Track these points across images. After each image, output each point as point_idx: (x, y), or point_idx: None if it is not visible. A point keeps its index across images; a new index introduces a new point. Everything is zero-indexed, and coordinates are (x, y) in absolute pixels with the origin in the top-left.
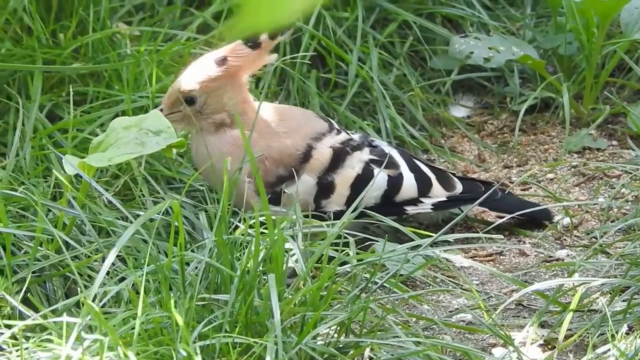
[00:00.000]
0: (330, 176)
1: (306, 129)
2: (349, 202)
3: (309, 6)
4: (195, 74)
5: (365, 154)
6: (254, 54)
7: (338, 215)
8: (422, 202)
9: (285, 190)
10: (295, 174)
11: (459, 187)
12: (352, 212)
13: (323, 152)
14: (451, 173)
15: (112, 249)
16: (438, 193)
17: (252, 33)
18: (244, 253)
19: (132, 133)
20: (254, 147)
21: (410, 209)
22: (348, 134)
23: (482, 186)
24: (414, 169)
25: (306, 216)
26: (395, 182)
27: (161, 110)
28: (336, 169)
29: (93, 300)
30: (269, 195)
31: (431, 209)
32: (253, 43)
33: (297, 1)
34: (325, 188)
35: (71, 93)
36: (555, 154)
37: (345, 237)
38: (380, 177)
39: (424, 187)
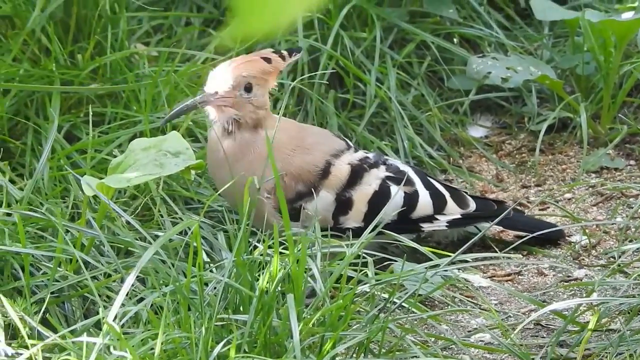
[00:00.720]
0: (348, 192)
1: (324, 146)
2: (366, 218)
3: (303, 11)
4: (253, 65)
5: (381, 171)
6: (282, 64)
7: (356, 232)
8: (437, 219)
9: (304, 207)
10: (314, 191)
11: (472, 205)
12: (371, 229)
13: (341, 169)
14: (464, 192)
15: (131, 270)
16: (453, 210)
17: (249, 38)
18: (262, 273)
19: (151, 154)
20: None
21: (426, 226)
22: (364, 152)
23: (495, 205)
24: (429, 186)
25: (325, 235)
26: (411, 199)
27: (211, 94)
28: (354, 185)
29: (113, 321)
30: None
31: (446, 226)
32: (269, 60)
33: (290, 6)
34: (343, 204)
35: (90, 114)
36: (573, 173)
37: (364, 257)
38: (398, 194)
39: (439, 204)
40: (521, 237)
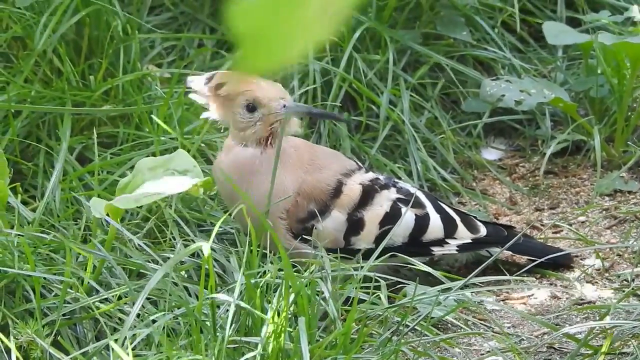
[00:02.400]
0: (360, 213)
1: (336, 165)
2: (377, 239)
3: (309, 45)
4: (274, 87)
5: (392, 193)
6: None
7: (367, 253)
8: (447, 243)
9: (316, 226)
10: (326, 210)
11: (482, 231)
12: (380, 249)
13: (353, 188)
14: (474, 217)
15: (141, 292)
16: (463, 235)
17: (257, 71)
18: (274, 295)
19: (158, 173)
20: (289, 179)
21: (437, 250)
22: (374, 173)
23: (505, 230)
24: (439, 210)
25: (335, 257)
26: (422, 222)
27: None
28: (365, 205)
29: (124, 343)
30: (300, 232)
31: (456, 250)
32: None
33: (299, 40)
34: (355, 225)
35: (95, 135)
36: (587, 196)
37: (377, 280)
38: (408, 215)
39: (449, 228)
40: (533, 260)
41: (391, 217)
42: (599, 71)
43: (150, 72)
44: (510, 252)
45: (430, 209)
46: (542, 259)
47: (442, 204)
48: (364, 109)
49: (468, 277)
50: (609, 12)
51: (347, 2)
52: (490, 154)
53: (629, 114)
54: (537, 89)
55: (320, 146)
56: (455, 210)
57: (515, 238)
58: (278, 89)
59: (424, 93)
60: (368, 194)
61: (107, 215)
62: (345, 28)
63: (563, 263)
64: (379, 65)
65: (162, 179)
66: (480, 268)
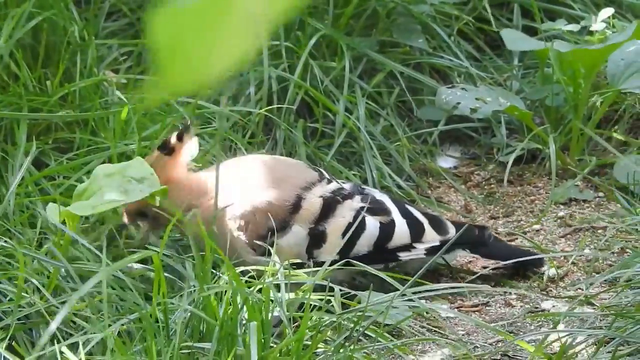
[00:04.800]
0: (321, 226)
1: (295, 180)
2: (341, 251)
3: (231, 65)
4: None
5: (356, 202)
6: (172, 160)
7: (333, 263)
8: (415, 247)
9: (277, 242)
10: (286, 225)
11: (452, 232)
12: (341, 261)
13: (313, 202)
14: (445, 219)
15: (96, 297)
16: (431, 238)
17: (174, 93)
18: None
19: (115, 180)
20: (242, 200)
21: (404, 255)
22: (339, 183)
23: (477, 230)
24: (406, 214)
25: (294, 267)
26: (387, 229)
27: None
28: (327, 218)
29: (77, 348)
30: (261, 247)
31: (425, 254)
32: (167, 150)
33: (217, 61)
34: (317, 238)
35: (51, 140)
36: (542, 205)
37: (331, 288)
38: (372, 224)
39: (416, 232)
40: (487, 267)
41: (355, 228)
42: (554, 79)
43: (107, 77)
44: (479, 255)
45: (396, 214)
46: (515, 260)
47: (409, 208)
48: (320, 116)
49: (412, 279)
50: (565, 21)
51: (274, 12)
52: (445, 162)
53: (585, 122)
54: (493, 97)
55: (281, 159)
56: (424, 213)
57: (496, 238)
58: None
59: (380, 100)
60: (329, 206)
61: (63, 222)
62: (302, 35)
63: (535, 266)
64: (335, 73)
65: (119, 187)
66: (423, 269)
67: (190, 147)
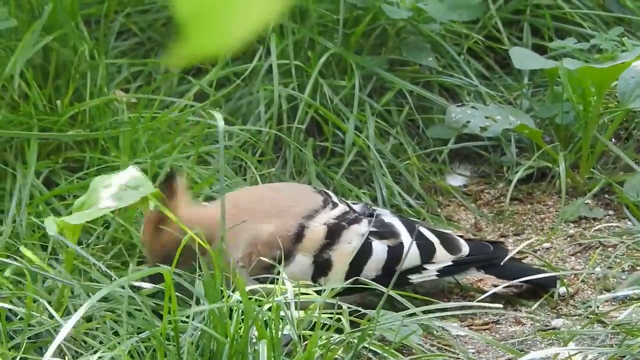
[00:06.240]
0: (326, 253)
1: (297, 208)
2: (348, 277)
3: (253, 27)
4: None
5: (363, 227)
6: (177, 201)
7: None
8: (426, 269)
9: (281, 271)
10: (290, 255)
11: (465, 249)
12: (351, 285)
13: (316, 230)
14: (458, 235)
15: (106, 316)
16: (443, 258)
17: (197, 59)
18: (233, 320)
19: (112, 190)
20: (244, 231)
21: (414, 278)
22: (348, 204)
23: (491, 246)
24: (416, 236)
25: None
26: (396, 252)
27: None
28: (332, 245)
29: None
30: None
31: (436, 275)
32: (168, 192)
33: (243, 21)
34: (322, 266)
35: (62, 159)
36: (552, 223)
37: (340, 307)
38: (380, 248)
39: (427, 253)
40: (497, 285)
41: (361, 253)
42: (564, 98)
43: (117, 97)
44: (494, 276)
45: (405, 236)
46: (529, 278)
47: (420, 228)
48: (329, 135)
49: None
50: (574, 39)
51: None
52: (455, 180)
53: (594, 140)
54: (503, 116)
55: (283, 186)
56: (435, 231)
57: (511, 256)
58: None
59: (390, 119)
60: (334, 233)
61: (61, 233)
62: (312, 53)
63: (549, 285)
64: (344, 91)
65: (114, 194)
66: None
67: (185, 186)
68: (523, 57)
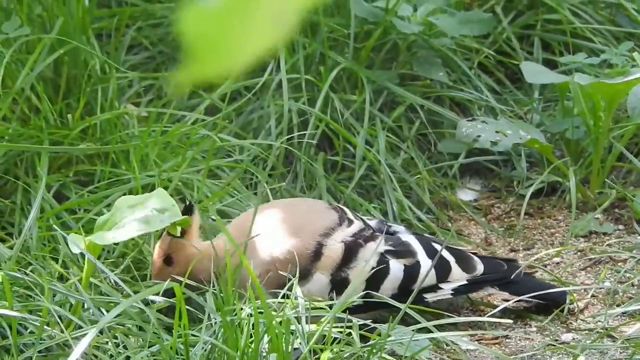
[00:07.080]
0: (344, 272)
1: (313, 226)
2: (365, 296)
3: (261, 49)
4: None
5: (380, 245)
6: (187, 238)
7: (353, 309)
8: (441, 288)
9: (295, 285)
10: (308, 274)
11: (480, 268)
12: (367, 300)
13: (334, 248)
14: (473, 253)
15: (117, 329)
16: (458, 277)
17: (204, 79)
18: (243, 334)
19: (137, 211)
20: (261, 250)
21: (430, 297)
22: (364, 220)
23: (504, 264)
24: (432, 254)
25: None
26: (412, 271)
27: None
28: (349, 263)
29: None
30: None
31: (451, 294)
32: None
33: (247, 44)
34: (339, 284)
35: (72, 173)
36: (562, 237)
37: (350, 320)
38: (397, 267)
39: (442, 272)
40: (508, 300)
41: (378, 272)
42: (575, 112)
43: (127, 110)
44: (508, 293)
45: (421, 255)
46: (541, 293)
47: (436, 246)
48: (340, 149)
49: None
50: (585, 54)
51: (299, 7)
52: (465, 195)
53: (605, 155)
54: (513, 130)
55: (297, 202)
56: (451, 249)
57: (524, 273)
58: None
59: (401, 133)
60: (351, 251)
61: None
62: (323, 68)
63: (562, 302)
64: (355, 106)
65: (141, 217)
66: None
67: (198, 220)
68: (534, 72)
